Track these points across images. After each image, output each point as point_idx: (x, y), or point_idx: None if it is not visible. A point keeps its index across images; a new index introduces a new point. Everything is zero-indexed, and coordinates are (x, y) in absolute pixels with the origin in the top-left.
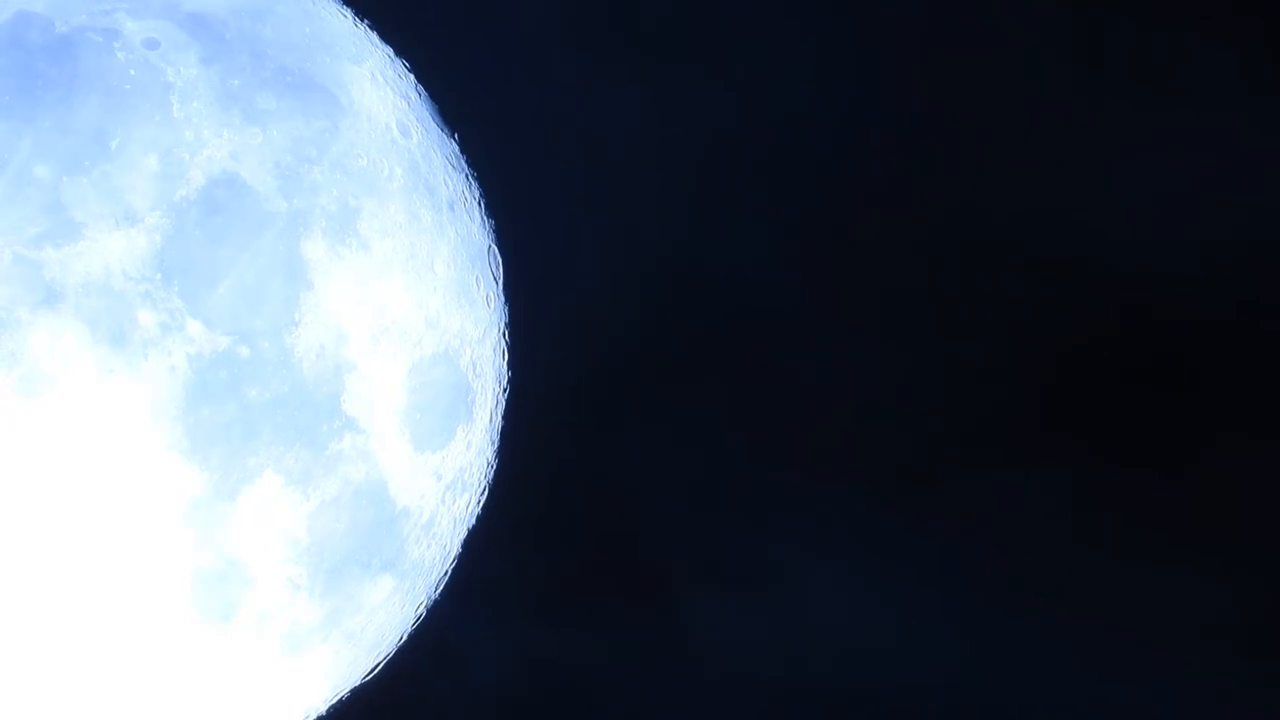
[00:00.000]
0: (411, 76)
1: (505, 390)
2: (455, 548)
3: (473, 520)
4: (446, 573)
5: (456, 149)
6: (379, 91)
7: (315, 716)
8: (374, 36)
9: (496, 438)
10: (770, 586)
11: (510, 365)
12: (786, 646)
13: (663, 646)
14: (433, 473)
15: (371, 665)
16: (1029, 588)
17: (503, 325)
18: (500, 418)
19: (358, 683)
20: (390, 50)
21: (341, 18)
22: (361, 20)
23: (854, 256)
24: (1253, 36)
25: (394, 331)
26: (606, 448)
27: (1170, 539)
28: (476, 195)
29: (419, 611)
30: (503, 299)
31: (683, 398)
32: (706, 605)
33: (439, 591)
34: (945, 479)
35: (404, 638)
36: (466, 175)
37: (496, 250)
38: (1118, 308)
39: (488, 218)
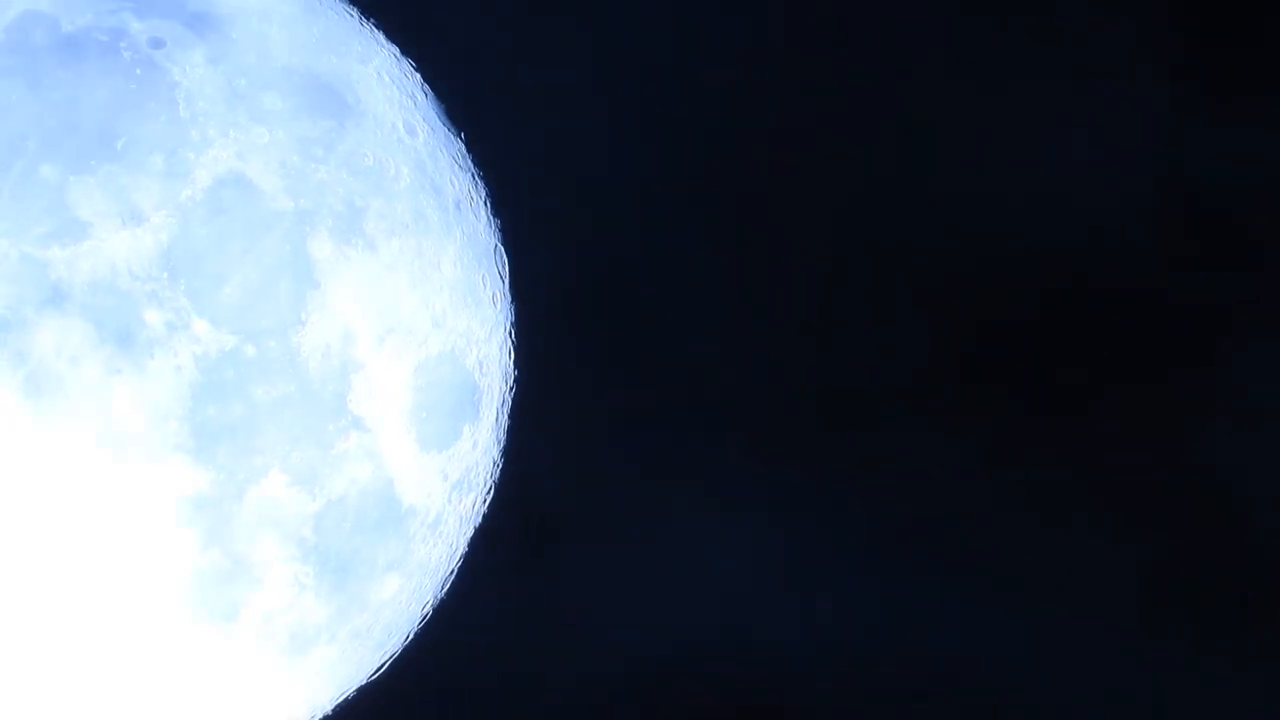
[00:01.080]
0: (417, 75)
1: (512, 389)
2: (461, 547)
3: (479, 519)
4: (453, 572)
5: (463, 148)
6: (385, 91)
7: (321, 716)
8: (380, 35)
9: (503, 437)
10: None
11: (517, 364)
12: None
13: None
14: (439, 472)
15: (378, 664)
16: (929, 542)
17: (509, 324)
18: (507, 417)
19: (364, 682)
20: (396, 49)
21: (347, 17)
22: (367, 19)
23: (779, 226)
24: (1158, 12)
25: (400, 331)
26: (612, 446)
27: (1076, 496)
28: (483, 194)
29: (425, 611)
30: (509, 298)
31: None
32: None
33: (445, 591)
34: (843, 437)
35: (410, 637)
36: (473, 174)
37: (503, 249)
38: (1025, 277)
39: (494, 217)
